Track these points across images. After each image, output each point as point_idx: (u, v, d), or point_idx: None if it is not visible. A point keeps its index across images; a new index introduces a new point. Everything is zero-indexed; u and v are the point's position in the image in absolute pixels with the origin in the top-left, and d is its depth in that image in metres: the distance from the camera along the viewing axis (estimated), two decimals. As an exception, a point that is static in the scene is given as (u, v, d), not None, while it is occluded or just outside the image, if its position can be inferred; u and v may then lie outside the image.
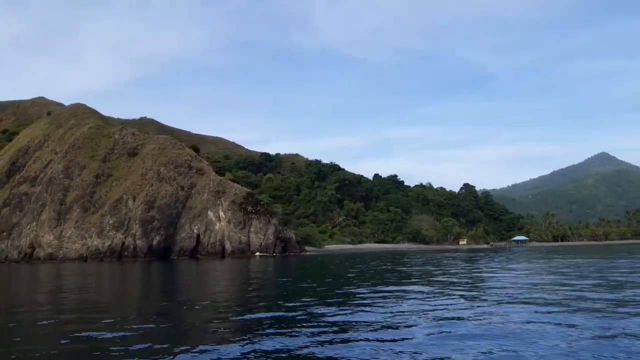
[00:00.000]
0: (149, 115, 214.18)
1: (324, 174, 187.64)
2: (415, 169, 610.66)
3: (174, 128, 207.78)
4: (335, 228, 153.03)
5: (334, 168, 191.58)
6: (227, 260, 72.26)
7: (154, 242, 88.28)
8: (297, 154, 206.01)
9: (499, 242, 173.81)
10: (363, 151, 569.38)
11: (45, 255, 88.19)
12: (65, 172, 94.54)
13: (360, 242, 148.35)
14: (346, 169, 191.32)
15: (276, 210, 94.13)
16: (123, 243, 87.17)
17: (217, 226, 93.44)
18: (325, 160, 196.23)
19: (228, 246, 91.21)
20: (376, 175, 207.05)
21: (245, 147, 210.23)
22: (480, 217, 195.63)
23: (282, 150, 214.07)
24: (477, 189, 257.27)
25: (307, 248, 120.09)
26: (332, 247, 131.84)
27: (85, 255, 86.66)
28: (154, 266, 58.61)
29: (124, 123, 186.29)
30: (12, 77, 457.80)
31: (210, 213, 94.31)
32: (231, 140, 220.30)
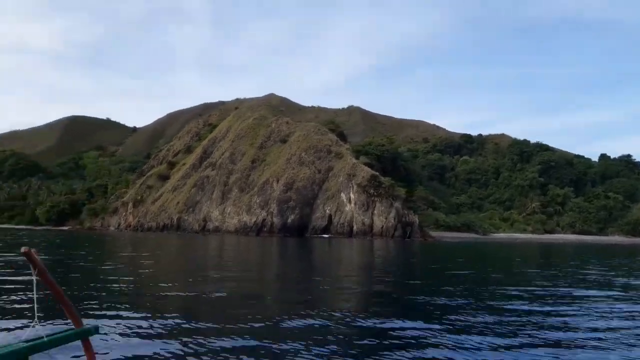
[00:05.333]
0: (357, 103, 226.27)
1: (527, 155, 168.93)
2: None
3: (378, 114, 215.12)
4: (524, 215, 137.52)
5: (541, 148, 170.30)
6: (355, 241, 72.36)
7: (289, 220, 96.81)
8: (502, 134, 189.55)
9: None
10: (620, 126, 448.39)
11: (213, 227, 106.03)
12: (230, 158, 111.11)
13: (550, 231, 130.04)
14: (591, 148, 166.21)
15: (399, 194, 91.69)
16: (264, 220, 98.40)
17: (347, 207, 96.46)
18: (550, 142, 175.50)
19: (355, 227, 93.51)
20: (602, 156, 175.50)
21: (447, 129, 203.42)
22: None
23: (507, 132, 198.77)
24: None
25: (465, 234, 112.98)
26: (503, 235, 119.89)
27: (238, 229, 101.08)
28: (298, 243, 59.54)
29: (332, 112, 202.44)
30: (261, 77, 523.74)
31: (342, 195, 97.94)
32: (431, 122, 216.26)
